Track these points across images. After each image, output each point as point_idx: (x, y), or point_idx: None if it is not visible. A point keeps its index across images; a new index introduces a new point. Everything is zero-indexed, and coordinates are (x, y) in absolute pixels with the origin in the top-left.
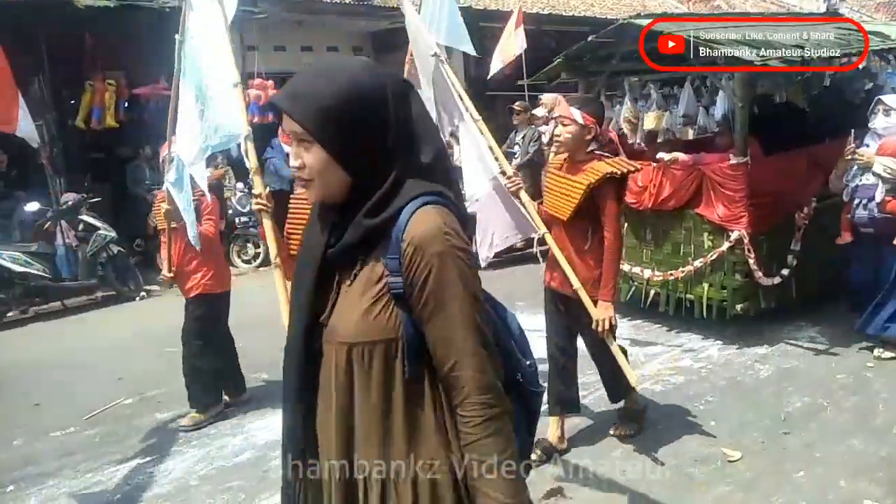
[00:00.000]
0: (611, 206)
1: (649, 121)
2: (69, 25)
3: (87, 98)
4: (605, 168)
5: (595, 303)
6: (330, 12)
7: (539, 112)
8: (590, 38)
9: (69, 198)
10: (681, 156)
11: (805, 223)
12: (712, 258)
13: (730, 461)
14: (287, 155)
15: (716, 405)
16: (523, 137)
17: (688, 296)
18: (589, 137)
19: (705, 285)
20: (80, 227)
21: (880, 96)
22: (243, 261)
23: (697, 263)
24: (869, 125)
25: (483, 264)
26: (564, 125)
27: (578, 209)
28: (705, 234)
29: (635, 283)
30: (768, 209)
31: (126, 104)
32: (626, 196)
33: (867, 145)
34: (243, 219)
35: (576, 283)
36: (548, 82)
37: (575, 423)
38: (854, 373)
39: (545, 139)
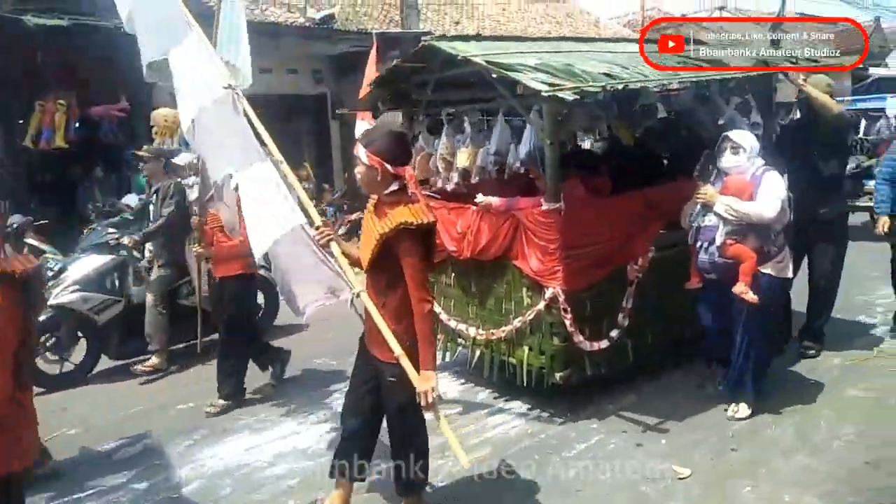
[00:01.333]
0: (409, 263)
1: (462, 158)
2: (19, 44)
3: (36, 118)
4: (401, 216)
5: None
6: (287, 35)
7: (181, 160)
8: (395, 62)
9: (14, 220)
10: (493, 200)
11: (639, 276)
12: (530, 317)
13: (679, 478)
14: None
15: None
16: (156, 193)
17: (510, 359)
18: (380, 179)
19: (525, 348)
20: (25, 250)
21: (727, 133)
22: None
23: (517, 322)
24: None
25: (304, 320)
26: (355, 164)
27: (375, 260)
28: (524, 290)
29: (462, 342)
30: (591, 261)
31: (77, 125)
32: (435, 249)
33: (713, 184)
34: None
35: (396, 349)
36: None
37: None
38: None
39: (192, 195)
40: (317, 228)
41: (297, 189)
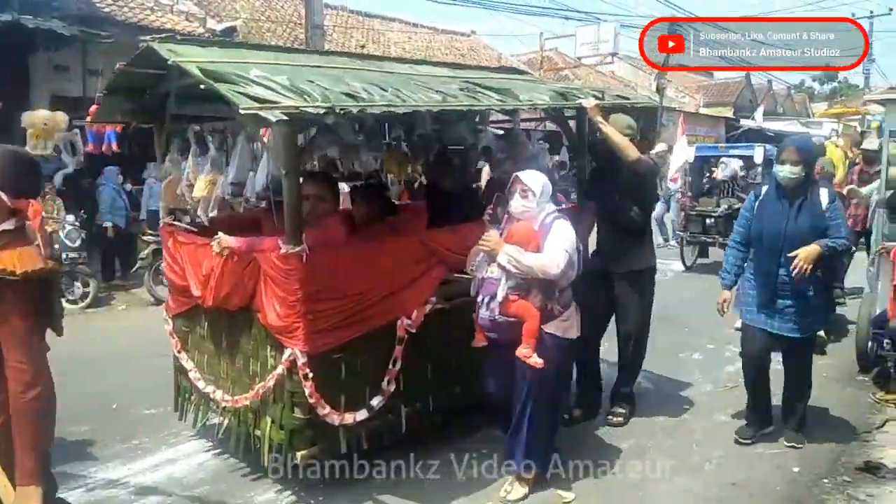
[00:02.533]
0: (12, 324)
1: (200, 186)
2: None
3: None
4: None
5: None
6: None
7: None
8: (119, 65)
9: None
10: (230, 241)
11: (412, 332)
12: (270, 383)
13: (564, 502)
14: (122, 185)
15: None
16: None
17: (257, 432)
18: None
19: (268, 419)
20: None
21: (518, 173)
22: (69, 301)
23: (260, 388)
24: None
25: None
26: None
27: None
28: (269, 348)
29: (213, 408)
30: (344, 316)
31: None
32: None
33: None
34: (72, 254)
35: None
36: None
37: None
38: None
39: None
40: None
41: None
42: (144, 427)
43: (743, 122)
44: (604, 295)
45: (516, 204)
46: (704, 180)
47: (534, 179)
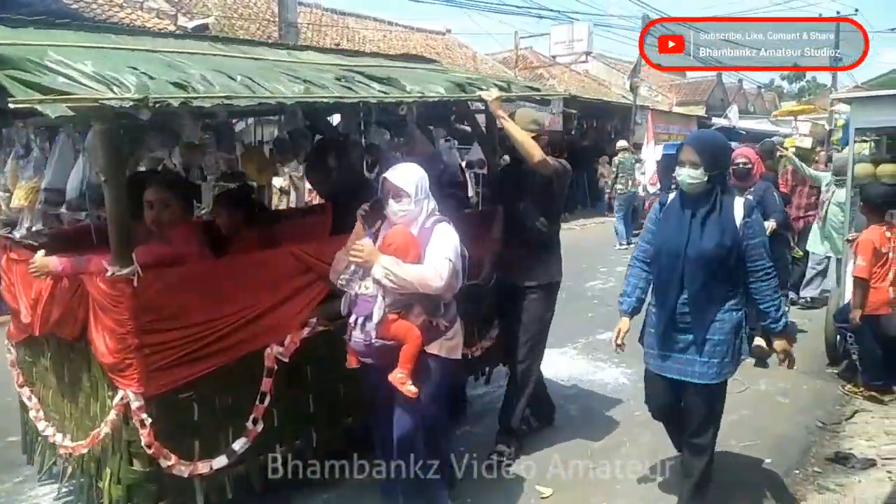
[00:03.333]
0: None
1: (19, 196)
2: None
3: None
4: None
5: None
6: None
7: None
8: None
9: None
10: (49, 262)
11: (284, 360)
12: (106, 430)
13: (542, 498)
14: None
15: None
16: None
17: (100, 483)
18: None
19: (108, 471)
20: None
21: (385, 174)
22: None
23: (97, 434)
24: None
25: None
26: None
27: None
28: (107, 387)
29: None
30: (191, 349)
31: None
32: None
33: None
34: None
35: None
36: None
37: None
38: None
39: None
40: None
41: None
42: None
43: (714, 120)
44: (500, 309)
45: (392, 209)
46: (674, 178)
47: (404, 178)
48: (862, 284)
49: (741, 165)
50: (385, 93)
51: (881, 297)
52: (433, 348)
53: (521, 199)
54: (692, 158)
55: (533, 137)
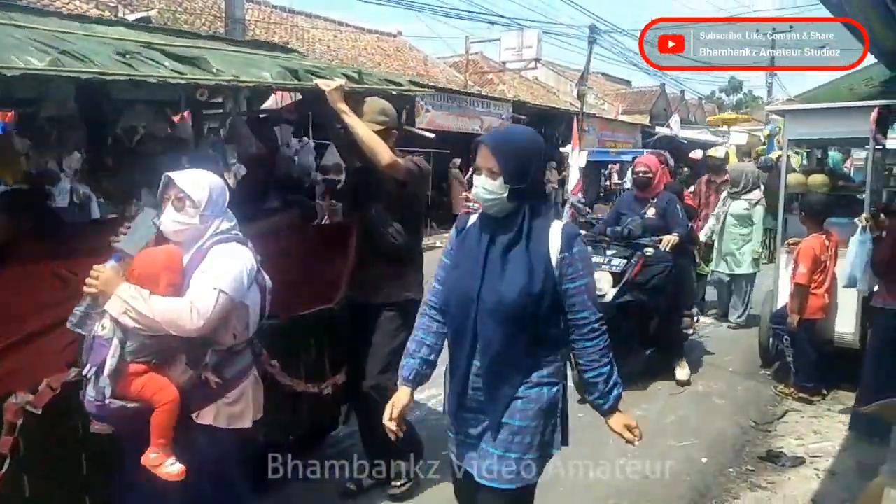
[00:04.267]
0: None
1: None
2: None
3: None
4: None
5: None
6: None
7: None
8: None
9: None
10: None
11: (36, 412)
12: None
13: None
14: None
15: None
16: None
17: None
18: None
19: None
20: None
21: (171, 174)
22: None
23: None
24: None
25: None
26: None
27: None
28: None
29: None
30: None
31: None
32: None
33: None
34: None
35: None
36: None
37: None
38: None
39: None
40: None
41: None
42: None
43: (658, 129)
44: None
45: (166, 219)
46: (601, 186)
47: (194, 182)
48: (802, 290)
49: (641, 174)
50: (181, 73)
51: (818, 302)
52: (206, 416)
53: (372, 207)
54: (488, 164)
55: (381, 132)
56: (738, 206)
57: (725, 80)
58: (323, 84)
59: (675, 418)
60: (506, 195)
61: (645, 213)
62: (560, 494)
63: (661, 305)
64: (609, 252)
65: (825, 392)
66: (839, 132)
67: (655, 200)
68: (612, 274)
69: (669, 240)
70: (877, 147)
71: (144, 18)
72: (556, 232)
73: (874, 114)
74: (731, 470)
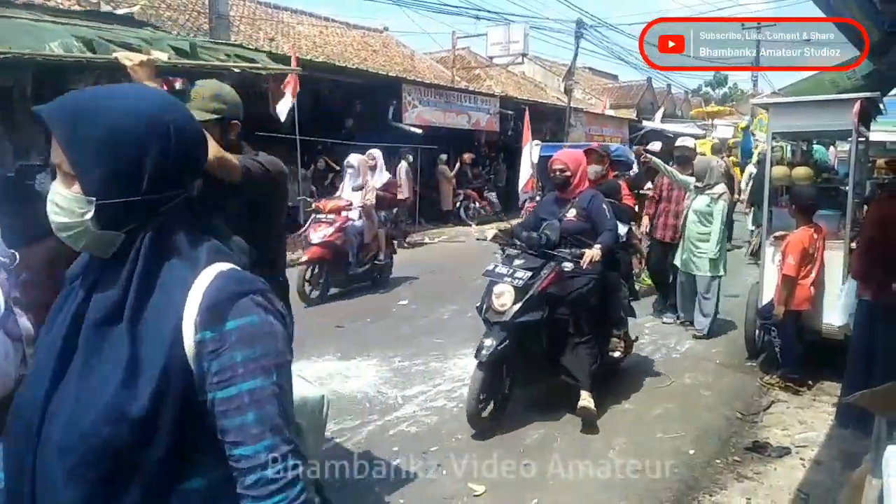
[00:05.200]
0: None
1: None
2: None
3: None
4: None
5: None
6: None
7: None
8: None
9: None
10: None
11: None
12: None
13: (475, 496)
14: None
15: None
16: None
17: None
18: None
19: None
20: None
21: None
22: None
23: None
24: None
25: None
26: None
27: None
28: None
29: None
30: None
31: None
32: None
33: None
34: None
35: None
36: None
37: None
38: None
39: None
40: None
41: None
42: None
43: (645, 123)
44: None
45: None
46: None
47: None
48: (790, 282)
49: (558, 173)
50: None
51: (804, 293)
52: None
53: (210, 216)
54: (58, 159)
55: (211, 122)
56: (701, 201)
57: (711, 74)
58: (124, 57)
59: (662, 411)
60: (89, 217)
61: (564, 215)
62: (549, 489)
63: (581, 324)
64: (517, 262)
65: (811, 382)
66: (823, 125)
67: (577, 200)
68: (515, 289)
69: (591, 255)
70: (860, 139)
71: (127, 14)
72: (198, 289)
73: (857, 106)
74: (718, 461)
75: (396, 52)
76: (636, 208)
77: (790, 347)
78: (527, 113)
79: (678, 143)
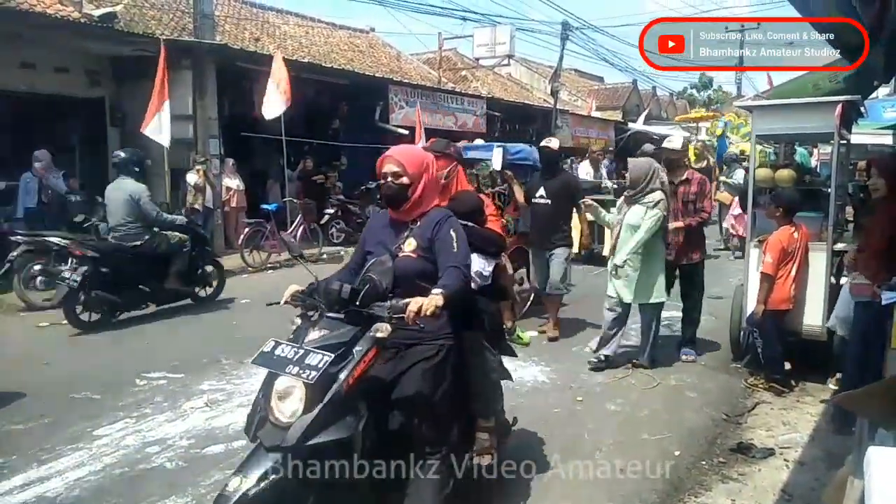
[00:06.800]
0: None
1: None
2: None
3: None
4: None
5: None
6: (56, 28)
7: None
8: None
9: None
10: None
11: None
12: None
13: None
14: None
15: None
16: None
17: None
18: None
19: None
20: None
21: None
22: None
23: None
24: None
25: None
26: None
27: None
28: None
29: None
30: None
31: None
32: None
33: None
34: None
35: None
36: None
37: None
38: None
39: None
40: None
41: None
42: (12, 444)
43: (630, 125)
44: None
45: None
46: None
47: None
48: (768, 280)
49: (389, 180)
50: None
51: (783, 293)
52: None
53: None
54: None
55: None
56: (635, 214)
57: (696, 77)
58: None
59: (649, 412)
60: None
61: (400, 248)
62: (534, 489)
63: (423, 430)
64: (313, 333)
65: (794, 383)
66: (805, 127)
67: (419, 225)
68: (307, 385)
69: (419, 305)
70: (841, 142)
71: (109, 14)
72: None
73: (838, 109)
74: (703, 462)
75: (383, 52)
76: (507, 233)
77: (771, 348)
78: (417, 110)
79: (664, 144)
